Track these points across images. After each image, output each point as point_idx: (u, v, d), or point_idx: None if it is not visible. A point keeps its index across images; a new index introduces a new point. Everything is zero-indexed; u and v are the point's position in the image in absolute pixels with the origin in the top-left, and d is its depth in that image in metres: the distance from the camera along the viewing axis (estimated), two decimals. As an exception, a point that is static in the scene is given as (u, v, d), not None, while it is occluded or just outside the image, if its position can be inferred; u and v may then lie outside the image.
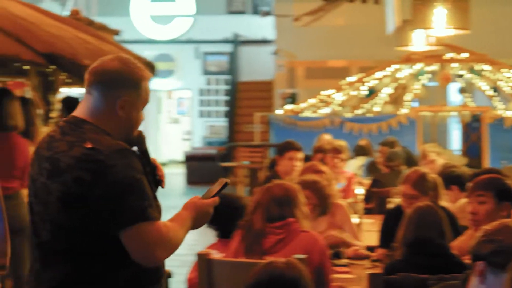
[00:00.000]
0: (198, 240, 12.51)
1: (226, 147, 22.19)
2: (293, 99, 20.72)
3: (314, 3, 20.29)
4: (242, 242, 4.70)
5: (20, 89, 8.89)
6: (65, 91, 8.55)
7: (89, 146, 2.99)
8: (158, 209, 3.13)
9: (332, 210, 6.02)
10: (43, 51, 6.89)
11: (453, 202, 6.58)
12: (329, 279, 4.64)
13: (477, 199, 4.74)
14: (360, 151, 11.95)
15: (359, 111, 15.56)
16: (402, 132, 13.93)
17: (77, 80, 7.39)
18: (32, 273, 3.19)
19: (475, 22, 10.90)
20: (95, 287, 3.05)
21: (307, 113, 16.24)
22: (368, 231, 6.92)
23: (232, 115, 22.97)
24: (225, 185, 3.33)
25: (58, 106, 7.50)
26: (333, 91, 16.51)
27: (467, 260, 4.20)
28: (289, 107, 17.70)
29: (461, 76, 15.29)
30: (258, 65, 24.09)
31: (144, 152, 3.24)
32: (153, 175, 3.27)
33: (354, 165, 11.41)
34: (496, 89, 14.90)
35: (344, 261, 5.65)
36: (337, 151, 8.96)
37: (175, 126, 28.29)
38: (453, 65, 14.96)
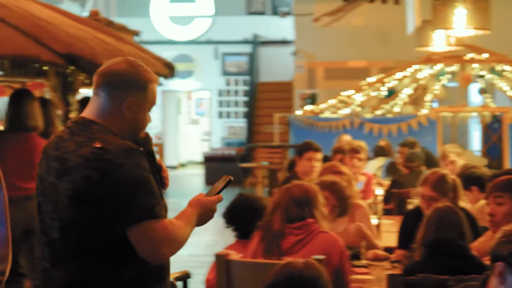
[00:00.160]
0: (217, 241, 12.55)
1: (245, 148, 22.20)
2: (312, 99, 20.70)
3: (334, 3, 20.27)
4: (261, 242, 4.70)
5: (40, 89, 8.93)
6: (84, 92, 8.57)
7: (98, 145, 3.06)
8: (164, 208, 3.18)
9: (351, 210, 6.00)
10: (62, 52, 6.90)
11: (473, 203, 6.54)
12: (348, 280, 4.63)
13: (495, 200, 4.72)
14: (379, 152, 11.92)
15: (379, 112, 15.52)
16: (422, 133, 13.88)
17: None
18: (41, 271, 3.25)
19: (495, 23, 10.83)
20: (104, 284, 3.11)
21: (327, 114, 16.22)
22: (387, 232, 6.89)
23: (251, 116, 22.97)
24: (229, 181, 3.37)
25: (77, 106, 7.52)
26: (353, 91, 16.49)
27: (487, 261, 4.17)
28: (308, 107, 17.68)
29: (482, 76, 15.22)
30: (278, 66, 24.08)
31: (150, 153, 3.28)
32: (159, 175, 3.31)
33: (373, 166, 11.38)
34: (517, 89, 14.83)
35: (363, 262, 5.63)
36: (355, 151, 8.94)
37: (194, 127, 28.33)
38: (474, 65, 14.90)
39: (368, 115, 15.31)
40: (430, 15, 10.18)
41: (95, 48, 7.36)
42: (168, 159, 25.07)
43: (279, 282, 2.97)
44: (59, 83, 7.49)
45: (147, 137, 3.33)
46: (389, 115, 15.20)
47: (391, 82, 15.97)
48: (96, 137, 3.10)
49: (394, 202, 8.78)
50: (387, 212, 8.83)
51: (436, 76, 15.35)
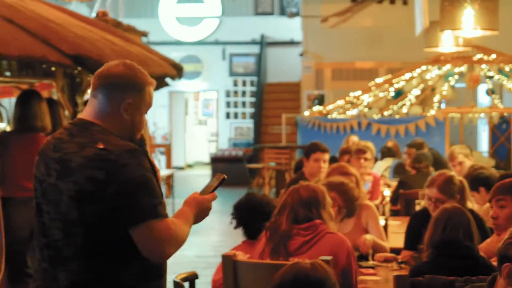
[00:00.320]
0: (223, 242, 12.56)
1: (252, 149, 22.20)
2: (320, 100, 20.70)
3: (342, 4, 20.30)
4: (268, 243, 4.69)
5: (47, 90, 8.94)
6: (91, 93, 8.56)
7: (101, 146, 3.12)
8: (164, 207, 3.25)
9: (358, 211, 6.00)
10: (70, 53, 6.91)
11: (480, 204, 6.53)
12: (355, 281, 4.62)
13: (497, 203, 4.71)
14: (387, 152, 11.91)
15: (386, 113, 15.51)
16: (429, 133, 13.87)
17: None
18: (41, 272, 3.26)
19: (503, 23, 10.82)
20: (107, 283, 3.15)
21: (334, 115, 16.22)
22: (394, 233, 6.89)
23: (258, 117, 22.97)
24: (223, 180, 3.42)
25: (84, 107, 7.53)
26: (361, 92, 16.49)
27: (494, 262, 4.16)
28: (316, 108, 17.68)
29: (491, 77, 15.20)
30: (285, 67, 24.08)
31: (145, 153, 3.32)
32: (155, 176, 3.34)
33: (381, 167, 11.38)
34: (525, 90, 14.81)
35: (370, 263, 5.63)
36: (361, 151, 8.93)
37: (201, 127, 28.35)
38: (482, 66, 14.88)
39: (376, 116, 15.31)
40: (438, 16, 10.16)
41: (103, 49, 7.37)
42: (175, 159, 25.09)
43: (286, 283, 2.97)
44: (67, 84, 7.50)
45: (142, 138, 3.41)
46: (397, 116, 15.20)
47: (399, 83, 15.97)
48: (98, 138, 3.16)
49: (401, 203, 8.77)
50: (394, 213, 8.83)
51: (444, 77, 15.35)
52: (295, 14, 23.92)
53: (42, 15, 7.42)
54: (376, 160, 10.94)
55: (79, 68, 7.15)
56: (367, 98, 16.27)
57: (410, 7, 17.53)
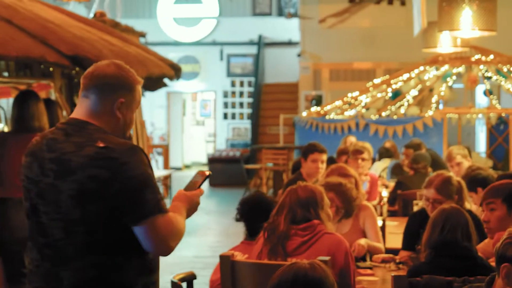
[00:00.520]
0: (221, 242, 12.55)
1: (250, 149, 22.20)
2: (318, 101, 20.71)
3: (340, 4, 20.30)
4: (266, 244, 4.69)
5: (45, 91, 8.93)
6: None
7: (102, 145, 3.16)
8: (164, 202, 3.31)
9: (357, 212, 6.00)
10: (68, 53, 6.91)
11: (478, 205, 6.53)
12: (353, 281, 4.62)
13: (488, 207, 4.71)
14: (384, 153, 11.92)
15: (384, 113, 15.52)
16: (427, 134, 13.88)
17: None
18: (41, 273, 3.27)
19: (501, 24, 10.82)
20: (110, 280, 3.19)
21: (332, 115, 16.22)
22: (391, 234, 6.89)
23: (256, 117, 22.97)
24: (208, 176, 3.50)
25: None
26: (358, 93, 16.49)
27: (492, 262, 4.17)
28: (314, 109, 17.68)
29: (489, 78, 15.21)
30: (283, 67, 24.09)
31: None
32: None
33: (378, 167, 11.38)
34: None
35: (368, 263, 5.64)
36: (358, 151, 8.94)
37: (199, 128, 28.34)
38: (480, 67, 14.89)
39: (374, 117, 15.31)
40: (436, 17, 10.16)
41: (101, 49, 7.37)
42: (173, 160, 25.07)
43: (284, 283, 2.96)
44: (65, 85, 7.50)
45: (130, 137, 3.44)
46: (395, 117, 15.20)
47: (396, 84, 15.97)
48: (96, 137, 3.20)
49: (399, 204, 8.77)
50: (392, 214, 8.83)
51: (442, 78, 15.35)
52: (293, 15, 23.92)
53: (40, 15, 7.42)
54: (373, 160, 10.94)
55: (77, 69, 7.16)
56: (365, 99, 16.28)
57: (408, 8, 17.54)
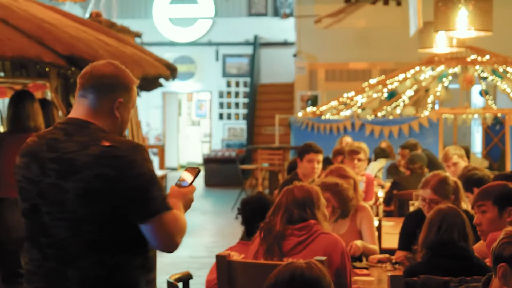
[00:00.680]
0: (216, 242, 12.54)
1: (245, 150, 22.19)
2: (313, 101, 20.71)
3: (335, 5, 20.29)
4: (262, 244, 4.69)
5: (41, 91, 8.93)
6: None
7: (107, 144, 3.16)
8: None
9: (354, 213, 6.00)
10: (64, 53, 6.91)
11: (474, 205, 6.53)
12: (350, 281, 4.62)
13: (479, 209, 4.71)
14: (380, 153, 11.93)
15: (380, 114, 15.52)
16: (423, 134, 13.89)
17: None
18: (45, 273, 3.25)
19: (497, 24, 10.83)
20: (115, 277, 3.20)
21: (328, 116, 16.23)
22: (387, 234, 6.89)
23: (251, 118, 22.97)
24: (199, 172, 3.50)
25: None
26: (354, 93, 16.50)
27: (488, 263, 4.17)
28: (309, 109, 17.68)
29: (485, 78, 15.22)
30: (279, 68, 24.08)
31: None
32: None
33: (374, 168, 11.39)
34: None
35: (364, 263, 5.64)
36: (354, 152, 8.95)
37: (194, 128, 28.33)
38: (476, 67, 14.90)
39: (369, 117, 15.32)
40: (432, 17, 10.16)
41: (97, 49, 7.36)
42: (168, 160, 25.07)
43: (281, 282, 2.96)
44: (61, 85, 7.50)
45: (125, 137, 3.46)
46: (390, 117, 15.21)
47: (392, 84, 15.98)
48: (100, 136, 3.20)
49: (394, 204, 8.78)
50: (388, 214, 8.84)
51: (438, 78, 15.36)
52: (289, 15, 23.92)
53: (36, 15, 7.42)
54: (369, 161, 10.95)
55: (73, 69, 7.15)
56: (360, 99, 16.28)
57: (404, 8, 17.55)
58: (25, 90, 7.61)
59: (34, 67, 7.20)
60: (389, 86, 15.98)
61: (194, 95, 27.87)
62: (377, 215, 8.28)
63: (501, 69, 14.98)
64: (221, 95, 25.50)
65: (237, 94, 25.44)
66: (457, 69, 15.11)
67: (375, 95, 16.12)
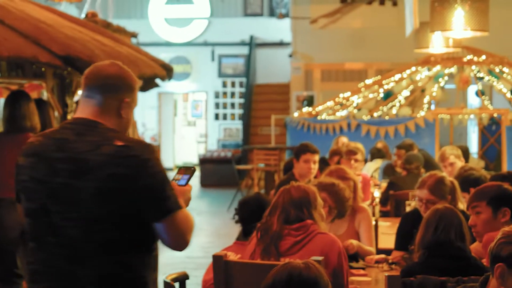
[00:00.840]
0: (212, 243, 12.54)
1: (241, 150, 22.19)
2: (309, 101, 20.72)
3: (331, 5, 20.29)
4: (259, 244, 4.68)
5: (37, 91, 8.92)
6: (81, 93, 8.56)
7: (120, 143, 3.18)
8: None
9: (353, 214, 6.00)
10: (60, 53, 6.90)
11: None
12: (347, 281, 4.62)
13: (473, 210, 4.71)
14: (376, 154, 11.92)
15: (376, 114, 15.52)
16: (419, 135, 13.89)
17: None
18: (52, 272, 3.24)
19: (493, 24, 10.83)
20: (126, 276, 3.22)
21: (324, 116, 16.23)
22: (384, 234, 6.89)
23: (247, 118, 22.96)
24: (194, 171, 3.52)
25: (74, 108, 7.52)
26: (350, 93, 16.50)
27: (485, 263, 4.16)
28: (305, 109, 17.68)
29: (481, 78, 15.23)
30: (275, 68, 24.08)
31: None
32: None
33: (370, 168, 11.39)
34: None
35: (361, 264, 5.63)
36: (352, 152, 8.95)
37: (190, 128, 28.31)
38: (472, 67, 14.91)
39: (365, 117, 15.32)
40: (428, 17, 10.16)
41: (93, 49, 7.36)
42: (164, 160, 25.03)
43: (279, 283, 2.96)
44: (57, 85, 7.49)
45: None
46: (386, 117, 15.21)
47: (388, 84, 15.98)
48: (112, 136, 3.22)
49: (391, 204, 8.77)
50: (384, 214, 8.83)
51: (434, 78, 15.36)
52: (285, 15, 23.92)
53: (32, 15, 7.41)
54: (365, 161, 10.95)
55: (69, 69, 7.14)
56: (356, 99, 16.28)
57: (400, 8, 17.55)
58: (21, 90, 7.60)
59: (30, 67, 7.19)
60: (385, 87, 15.98)
61: (189, 96, 27.85)
62: (373, 215, 8.28)
63: (497, 70, 14.99)
64: (217, 95, 25.50)
65: (233, 95, 25.44)
66: (453, 69, 15.12)
67: (371, 95, 16.12)
